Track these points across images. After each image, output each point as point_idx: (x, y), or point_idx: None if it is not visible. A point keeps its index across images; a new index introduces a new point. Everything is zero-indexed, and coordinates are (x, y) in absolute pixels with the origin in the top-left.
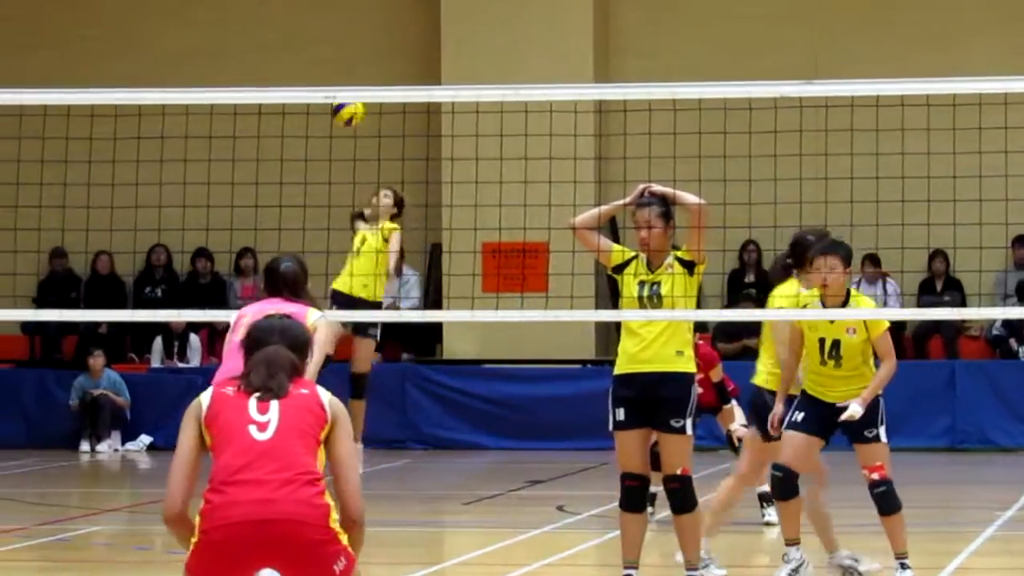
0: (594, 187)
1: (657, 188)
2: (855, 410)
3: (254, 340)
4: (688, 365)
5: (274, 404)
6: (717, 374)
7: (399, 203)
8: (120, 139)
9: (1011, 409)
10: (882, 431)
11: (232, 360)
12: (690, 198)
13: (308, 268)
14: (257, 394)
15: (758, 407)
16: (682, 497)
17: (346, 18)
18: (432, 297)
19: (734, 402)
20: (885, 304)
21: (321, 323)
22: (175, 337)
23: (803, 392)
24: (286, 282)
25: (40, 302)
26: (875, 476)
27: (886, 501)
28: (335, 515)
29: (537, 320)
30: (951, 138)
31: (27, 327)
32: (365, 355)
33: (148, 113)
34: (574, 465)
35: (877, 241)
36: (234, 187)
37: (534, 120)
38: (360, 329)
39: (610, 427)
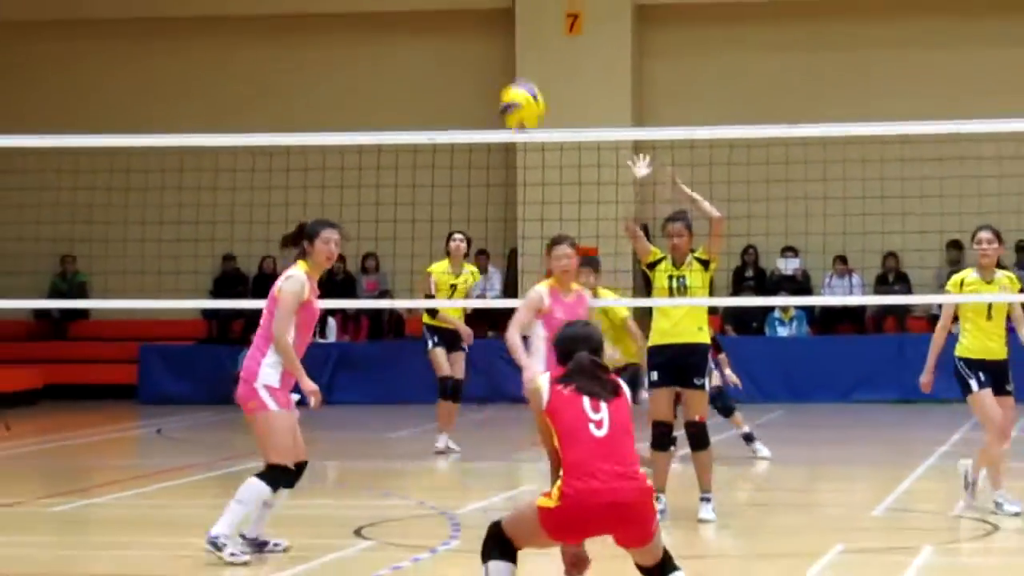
0: (633, 207)
1: (683, 189)
2: None
3: (563, 348)
4: (705, 337)
5: (603, 404)
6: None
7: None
8: (274, 171)
9: (946, 371)
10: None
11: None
12: (711, 211)
13: (315, 230)
14: (588, 396)
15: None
16: (699, 438)
17: (445, 77)
18: (511, 288)
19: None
20: (851, 292)
21: (285, 286)
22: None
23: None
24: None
25: (215, 294)
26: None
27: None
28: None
29: (589, 305)
30: (901, 167)
31: (206, 313)
32: (459, 366)
33: (295, 152)
34: None
35: (845, 245)
36: (359, 207)
37: (586, 155)
38: (456, 346)
39: (646, 386)
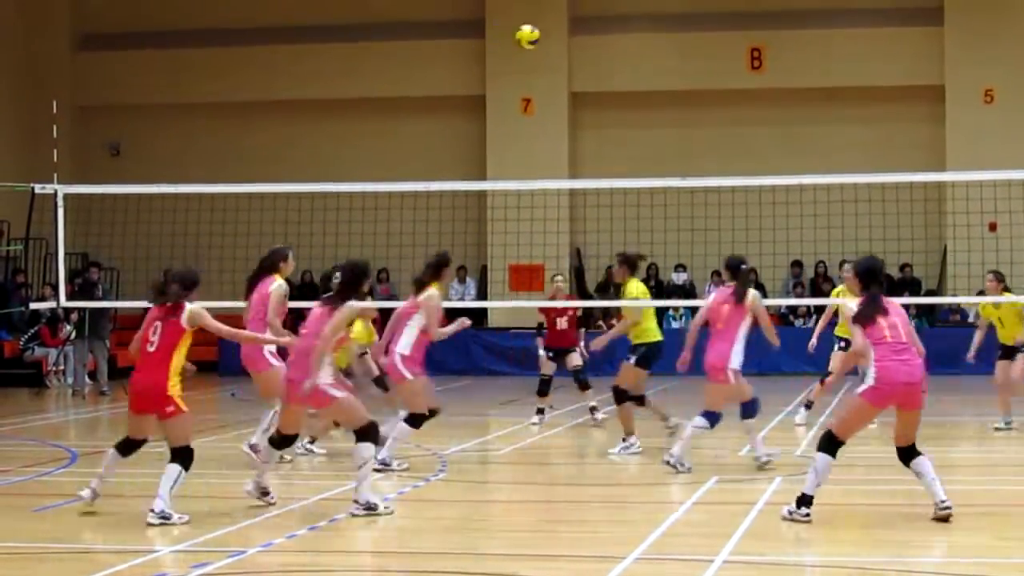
0: (568, 235)
1: None
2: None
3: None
4: None
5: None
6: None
7: None
8: (315, 210)
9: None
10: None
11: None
12: None
13: (361, 273)
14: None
15: None
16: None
17: (436, 144)
18: (482, 292)
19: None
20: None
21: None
22: None
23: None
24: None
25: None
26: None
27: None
28: None
29: (537, 305)
30: (759, 208)
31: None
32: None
33: (329, 197)
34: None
35: (720, 263)
36: (375, 236)
37: (536, 199)
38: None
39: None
